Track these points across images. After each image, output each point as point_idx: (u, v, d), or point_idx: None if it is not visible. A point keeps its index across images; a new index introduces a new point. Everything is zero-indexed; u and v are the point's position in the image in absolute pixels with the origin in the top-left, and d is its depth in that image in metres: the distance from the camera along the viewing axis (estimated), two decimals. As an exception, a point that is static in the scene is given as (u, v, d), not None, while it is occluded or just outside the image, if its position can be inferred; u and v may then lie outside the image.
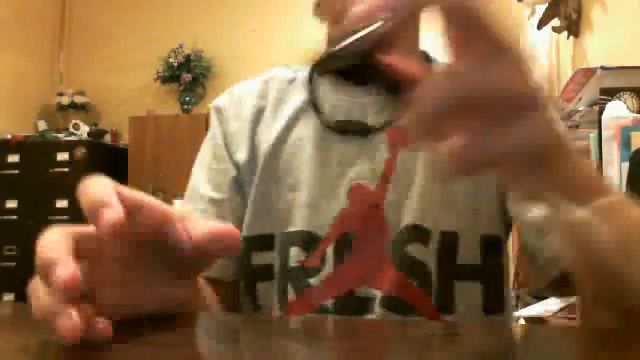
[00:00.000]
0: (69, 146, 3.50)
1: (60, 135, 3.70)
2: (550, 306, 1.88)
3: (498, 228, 0.64)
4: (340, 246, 0.61)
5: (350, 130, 0.65)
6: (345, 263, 0.61)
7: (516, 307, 2.31)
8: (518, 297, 2.36)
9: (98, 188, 0.35)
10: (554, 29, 2.48)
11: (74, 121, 3.81)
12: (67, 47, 4.23)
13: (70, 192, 3.49)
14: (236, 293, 0.66)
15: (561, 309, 1.80)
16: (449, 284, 0.60)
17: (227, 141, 0.69)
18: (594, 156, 1.37)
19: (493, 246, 0.63)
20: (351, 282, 0.61)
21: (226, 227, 0.41)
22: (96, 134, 3.74)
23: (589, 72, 1.50)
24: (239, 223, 0.66)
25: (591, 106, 1.49)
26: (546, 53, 2.70)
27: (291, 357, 0.31)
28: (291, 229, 0.63)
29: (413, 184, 0.62)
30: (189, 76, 3.75)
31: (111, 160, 3.60)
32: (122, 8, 4.15)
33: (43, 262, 0.32)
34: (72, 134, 3.72)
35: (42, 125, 3.92)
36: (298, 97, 0.69)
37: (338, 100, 0.67)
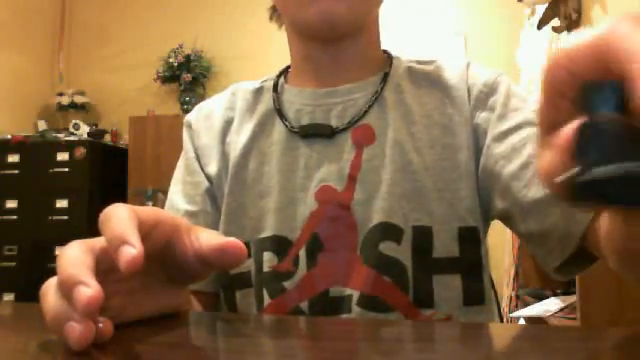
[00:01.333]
0: (69, 146, 3.50)
1: (60, 135, 3.70)
2: (550, 306, 1.88)
3: (476, 219, 0.63)
4: (311, 248, 0.61)
5: (315, 133, 0.66)
6: (317, 264, 0.61)
7: (516, 307, 2.32)
8: (518, 297, 2.36)
9: (118, 220, 0.35)
10: (554, 29, 2.48)
11: (74, 121, 3.81)
12: (67, 47, 4.23)
13: (70, 192, 3.48)
14: (214, 303, 0.67)
15: (561, 309, 1.80)
16: (427, 278, 0.60)
17: (198, 154, 0.71)
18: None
19: (471, 237, 0.62)
20: (325, 282, 0.61)
21: (234, 241, 0.41)
22: (96, 134, 3.74)
23: (589, 72, 1.50)
24: None
25: (591, 106, 1.49)
26: (546, 53, 2.70)
27: (297, 356, 0.31)
28: (263, 235, 0.63)
29: (381, 182, 0.62)
30: (189, 76, 3.75)
31: (111, 160, 3.60)
32: (122, 8, 4.15)
33: (65, 278, 0.33)
34: (72, 134, 3.72)
35: (42, 125, 3.92)
36: (264, 105, 0.70)
37: (302, 105, 0.68)
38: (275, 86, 0.72)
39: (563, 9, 2.38)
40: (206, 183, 0.69)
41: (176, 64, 3.79)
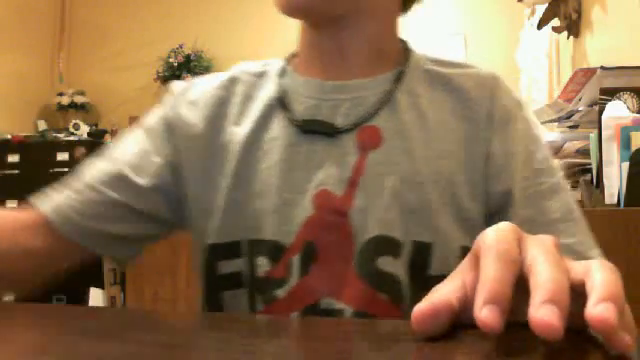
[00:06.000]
0: (69, 146, 3.49)
1: (60, 135, 3.69)
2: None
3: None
4: (305, 256, 0.58)
5: (317, 130, 0.61)
6: (310, 274, 0.57)
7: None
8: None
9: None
10: (554, 29, 2.48)
11: (74, 121, 3.81)
12: (67, 47, 4.23)
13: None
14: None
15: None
16: (422, 295, 0.57)
17: (172, 125, 0.66)
18: (594, 156, 1.37)
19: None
20: (316, 294, 0.57)
21: None
22: (96, 134, 3.74)
23: (589, 72, 1.50)
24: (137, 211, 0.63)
25: (591, 106, 1.49)
26: (546, 53, 2.70)
27: (300, 357, 0.31)
28: (258, 237, 0.60)
29: (383, 190, 0.58)
30: (189, 76, 3.75)
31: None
32: (122, 8, 4.15)
33: None
34: (72, 134, 3.72)
35: (42, 125, 3.92)
36: (266, 93, 0.65)
37: (307, 97, 0.63)
38: (281, 73, 0.66)
39: (563, 9, 2.38)
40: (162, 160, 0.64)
41: (176, 64, 3.80)
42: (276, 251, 0.59)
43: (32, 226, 0.63)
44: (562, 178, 0.62)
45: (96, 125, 3.94)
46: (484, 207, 0.60)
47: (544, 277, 0.29)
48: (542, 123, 1.85)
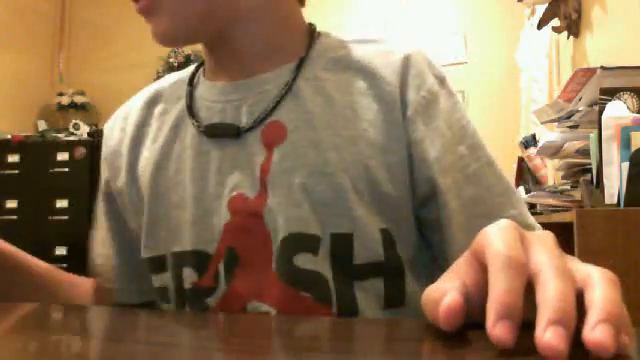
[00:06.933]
0: (69, 146, 3.49)
1: (60, 135, 3.69)
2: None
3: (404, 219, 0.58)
4: (229, 263, 0.57)
5: (222, 133, 0.59)
6: (235, 280, 0.57)
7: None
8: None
9: None
10: (554, 29, 2.48)
11: (74, 121, 3.80)
12: (67, 47, 4.23)
13: (70, 192, 3.47)
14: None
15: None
16: (349, 286, 0.55)
17: (108, 163, 0.69)
18: (594, 156, 1.37)
19: (391, 238, 0.57)
20: (242, 299, 0.56)
21: None
22: (96, 134, 3.74)
23: (589, 72, 1.50)
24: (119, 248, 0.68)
25: (591, 106, 1.49)
26: (546, 53, 2.70)
27: (299, 355, 0.31)
28: (181, 249, 0.59)
29: (292, 186, 0.56)
30: (189, 76, 3.76)
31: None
32: (122, 8, 4.14)
33: None
34: (72, 134, 3.72)
35: (42, 125, 3.92)
36: (179, 104, 0.64)
37: (212, 102, 0.62)
38: (191, 79, 0.66)
39: (563, 9, 2.38)
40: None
41: (176, 64, 3.79)
42: (200, 261, 0.58)
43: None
44: (489, 150, 0.60)
45: (96, 125, 3.94)
46: (408, 191, 0.57)
47: (551, 292, 0.28)
48: (542, 123, 1.85)
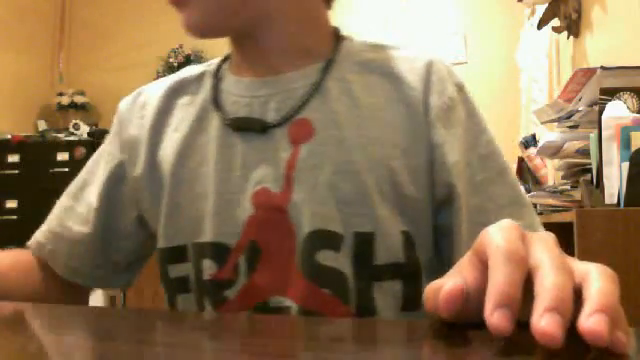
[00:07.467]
0: (69, 146, 3.50)
1: (60, 135, 3.70)
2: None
3: (424, 222, 0.59)
4: (250, 256, 0.57)
5: (248, 128, 0.60)
6: (257, 273, 0.57)
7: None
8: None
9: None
10: (554, 29, 2.48)
11: (74, 121, 3.81)
12: (67, 47, 4.23)
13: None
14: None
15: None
16: (368, 286, 0.56)
17: (124, 149, 0.68)
18: (594, 156, 1.37)
19: (411, 240, 0.58)
20: (264, 292, 0.57)
21: None
22: (96, 134, 3.74)
23: (589, 72, 1.50)
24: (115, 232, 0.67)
25: (591, 106, 1.49)
26: (546, 53, 2.70)
27: (297, 356, 0.31)
28: (201, 240, 0.59)
29: (317, 184, 0.57)
30: (189, 76, 3.76)
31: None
32: (122, 8, 4.15)
33: None
34: (72, 134, 3.72)
35: (42, 125, 3.92)
36: (203, 95, 0.65)
37: (239, 96, 0.62)
38: (216, 72, 0.66)
39: (563, 9, 2.38)
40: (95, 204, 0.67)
41: (176, 64, 3.79)
42: (220, 253, 0.58)
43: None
44: (505, 160, 0.61)
45: (96, 125, 3.94)
46: (429, 194, 0.58)
47: (549, 283, 0.29)
48: (542, 123, 1.85)
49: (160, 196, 0.63)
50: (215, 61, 0.69)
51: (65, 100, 3.99)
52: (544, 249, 0.31)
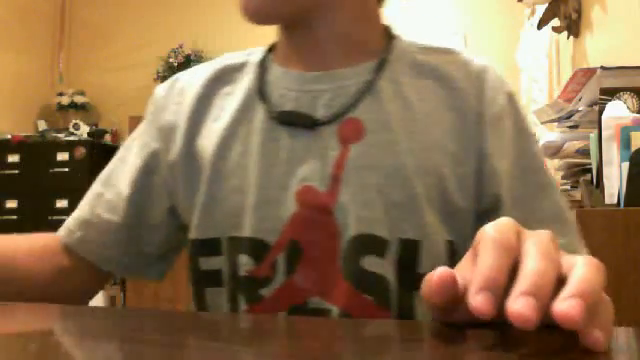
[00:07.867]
0: (69, 146, 3.50)
1: (60, 135, 3.70)
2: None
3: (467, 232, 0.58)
4: (291, 255, 0.55)
5: (296, 122, 0.58)
6: (297, 273, 0.55)
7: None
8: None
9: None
10: (554, 29, 2.48)
11: (74, 121, 3.81)
12: (67, 47, 4.23)
13: (70, 192, 3.48)
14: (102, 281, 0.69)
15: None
16: (409, 294, 0.55)
17: (158, 137, 0.66)
18: (594, 156, 1.37)
19: (454, 250, 0.57)
20: (304, 293, 0.55)
21: None
22: (96, 134, 3.74)
23: (589, 72, 1.50)
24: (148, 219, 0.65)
25: (591, 106, 1.49)
26: (546, 53, 2.70)
27: (301, 356, 0.31)
28: (239, 234, 0.57)
29: (366, 186, 0.55)
30: (189, 76, 3.76)
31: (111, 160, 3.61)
32: (122, 8, 4.15)
33: None
34: (72, 134, 3.72)
35: (42, 125, 3.92)
36: (246, 85, 0.63)
37: (286, 89, 0.61)
38: (262, 62, 0.64)
39: (563, 9, 2.38)
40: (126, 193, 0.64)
41: (176, 64, 3.79)
42: (258, 249, 0.56)
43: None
44: (551, 175, 0.60)
45: (96, 125, 3.94)
46: (474, 203, 0.57)
47: (528, 269, 0.29)
48: (542, 123, 1.85)
49: (196, 187, 0.61)
50: (256, 50, 0.67)
51: (65, 100, 3.99)
52: (535, 242, 0.32)
